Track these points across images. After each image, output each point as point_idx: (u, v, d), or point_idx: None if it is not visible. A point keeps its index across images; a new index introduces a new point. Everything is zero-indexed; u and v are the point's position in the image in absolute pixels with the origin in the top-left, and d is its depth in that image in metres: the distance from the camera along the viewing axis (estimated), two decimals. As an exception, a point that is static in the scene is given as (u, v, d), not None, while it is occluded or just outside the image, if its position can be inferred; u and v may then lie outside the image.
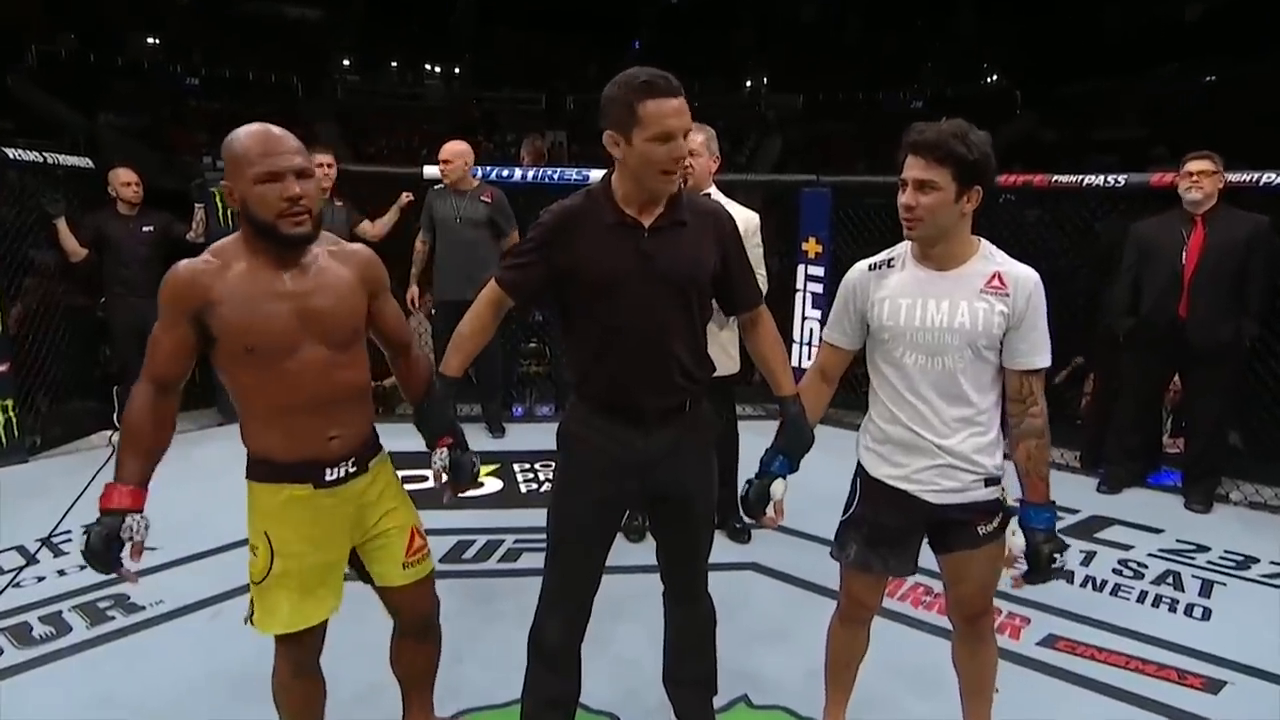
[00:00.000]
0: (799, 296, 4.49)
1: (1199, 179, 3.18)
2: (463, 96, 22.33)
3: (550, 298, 1.57)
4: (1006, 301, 1.48)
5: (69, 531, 2.93)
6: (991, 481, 1.56)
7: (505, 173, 4.43)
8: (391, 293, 1.61)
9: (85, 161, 4.22)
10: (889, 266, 1.58)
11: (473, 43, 23.32)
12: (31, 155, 3.88)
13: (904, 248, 1.58)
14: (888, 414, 1.58)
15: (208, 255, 1.43)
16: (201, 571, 2.63)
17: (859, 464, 1.67)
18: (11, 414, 3.73)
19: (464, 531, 2.93)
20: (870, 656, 1.79)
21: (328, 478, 1.46)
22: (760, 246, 2.75)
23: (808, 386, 1.68)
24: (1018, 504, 1.56)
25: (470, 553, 2.83)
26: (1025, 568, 1.52)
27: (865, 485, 1.64)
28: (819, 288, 4.40)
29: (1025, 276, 1.50)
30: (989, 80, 20.97)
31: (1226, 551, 2.96)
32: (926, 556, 1.66)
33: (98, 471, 3.51)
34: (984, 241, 1.55)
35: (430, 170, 4.18)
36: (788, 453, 1.62)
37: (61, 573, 2.63)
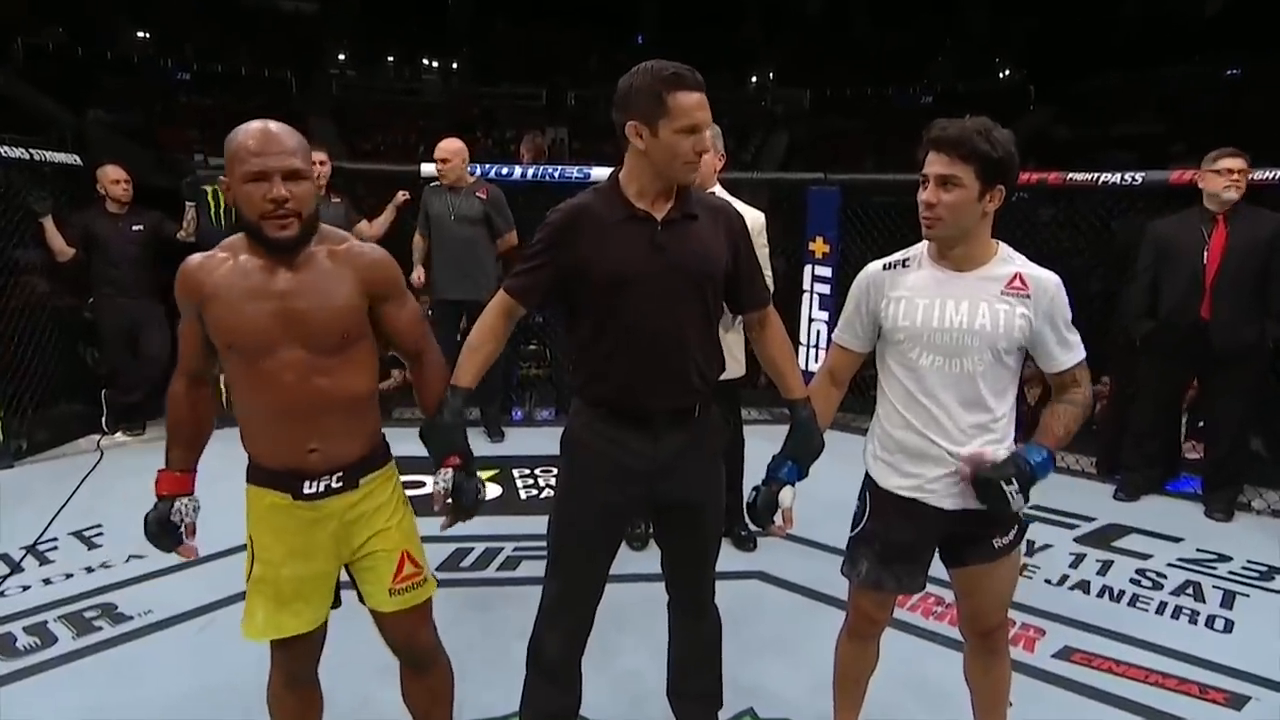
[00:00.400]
0: (806, 298, 4.48)
1: (1237, 177, 3.16)
2: (461, 92, 22.37)
3: (556, 298, 1.56)
4: (1028, 304, 1.48)
5: (55, 539, 2.93)
6: None
7: (505, 171, 4.44)
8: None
9: (73, 158, 4.23)
10: (904, 266, 1.57)
11: (471, 36, 23.37)
12: (18, 152, 3.88)
13: (920, 248, 1.58)
14: (899, 419, 1.57)
15: (218, 249, 1.46)
16: (192, 580, 2.62)
17: (867, 475, 1.66)
18: (-3, 418, 3.75)
19: (461, 539, 2.93)
20: (880, 669, 1.78)
21: (305, 490, 1.44)
22: (766, 246, 2.75)
23: (816, 390, 1.68)
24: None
25: (468, 560, 2.83)
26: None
27: (875, 498, 1.63)
28: (826, 289, 4.40)
29: (1047, 278, 1.50)
30: (1001, 75, 20.96)
31: (1249, 561, 2.94)
32: (937, 565, 1.65)
33: (85, 477, 3.53)
34: (1003, 244, 1.54)
35: (428, 168, 4.18)
36: (797, 459, 1.61)
37: (47, 581, 2.63)
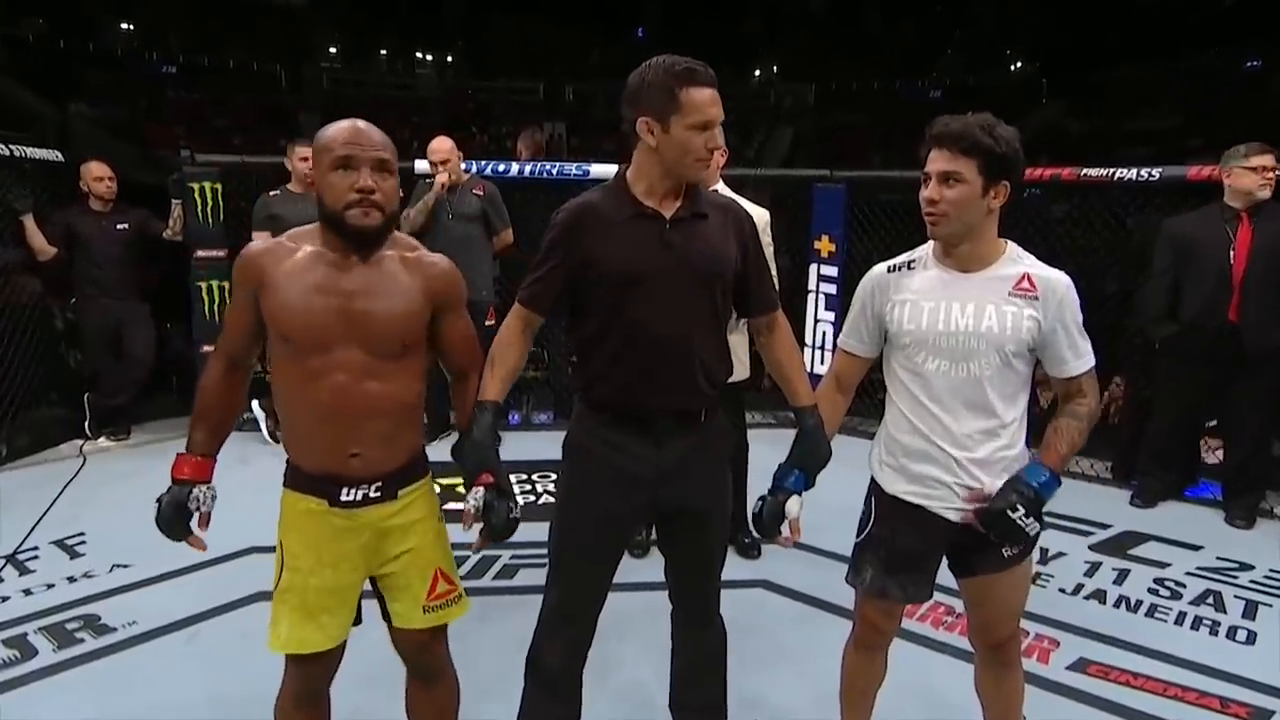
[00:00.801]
0: (811, 298, 4.49)
1: (1271, 175, 3.13)
2: (456, 86, 22.41)
3: (566, 299, 1.57)
4: (1036, 305, 1.48)
5: (36, 548, 2.93)
6: None
7: (501, 167, 4.44)
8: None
9: (55, 154, 4.24)
10: (909, 268, 1.58)
11: (466, 29, 23.41)
12: (-2, 148, 3.89)
13: (925, 249, 1.58)
14: (906, 425, 1.57)
15: (285, 237, 1.49)
16: (178, 590, 2.62)
17: (873, 481, 1.66)
18: (-24, 422, 3.75)
19: (456, 546, 2.92)
20: (888, 681, 1.78)
21: (343, 498, 1.45)
22: (770, 245, 2.76)
23: (822, 396, 1.68)
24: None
25: (463, 569, 2.81)
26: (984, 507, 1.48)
27: (880, 504, 1.63)
28: (832, 289, 4.40)
29: (1056, 279, 1.49)
30: (1013, 68, 20.98)
31: (1272, 570, 2.94)
32: (947, 573, 1.65)
33: (67, 484, 3.53)
34: (1011, 243, 1.55)
35: (422, 165, 4.18)
36: (804, 468, 1.61)
37: (27, 592, 2.62)
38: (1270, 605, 2.69)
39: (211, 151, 4.63)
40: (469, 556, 2.88)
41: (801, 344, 4.44)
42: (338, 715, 1.86)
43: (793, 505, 1.61)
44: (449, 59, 24.11)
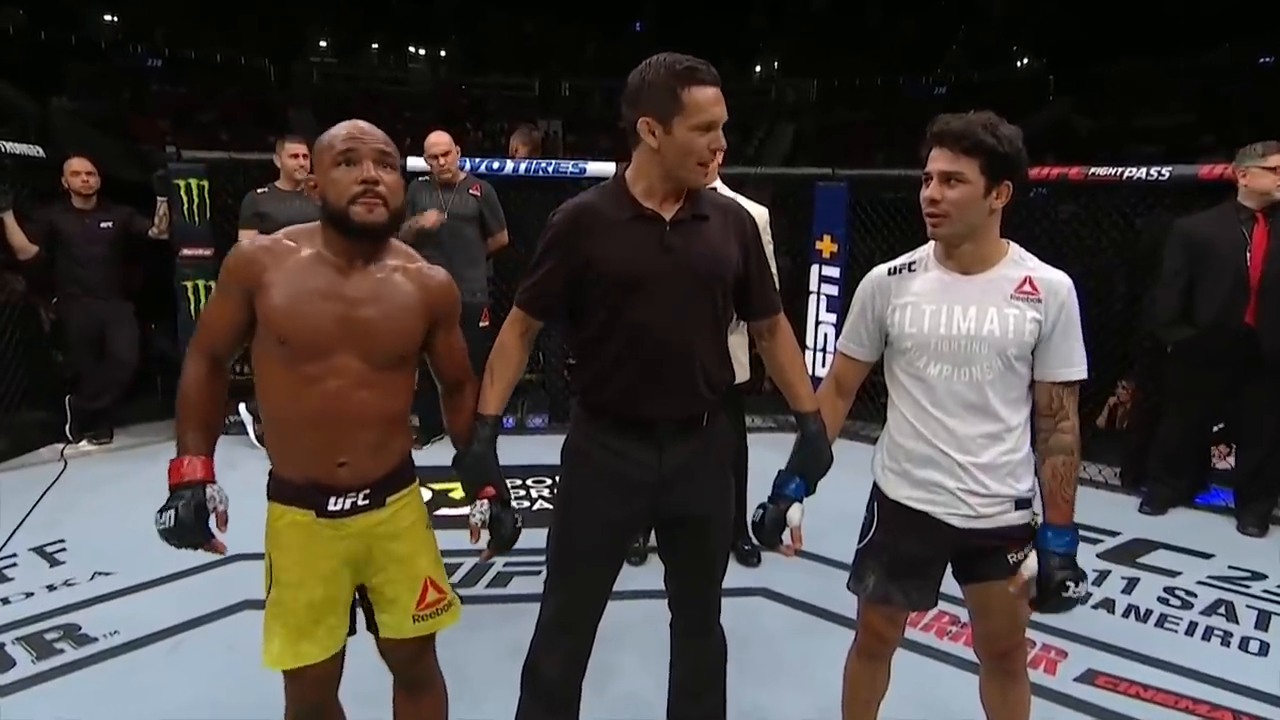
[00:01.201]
0: (812, 299, 4.50)
1: None
2: (449, 81, 22.43)
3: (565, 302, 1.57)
4: (1039, 308, 1.48)
5: (14, 555, 2.92)
6: (1022, 504, 1.55)
7: (495, 165, 4.44)
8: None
9: (36, 150, 4.23)
10: (910, 270, 1.58)
11: (460, 23, 23.44)
12: (-24, 143, 3.89)
13: (926, 250, 1.59)
14: (909, 430, 1.57)
15: (282, 235, 1.47)
16: (161, 598, 2.61)
17: (875, 486, 1.66)
18: (-46, 425, 3.74)
19: (449, 554, 2.89)
20: (892, 692, 1.78)
21: (330, 507, 1.44)
22: (770, 244, 2.76)
23: (822, 400, 1.68)
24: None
25: (456, 577, 2.82)
26: (1034, 594, 1.52)
27: (883, 509, 1.63)
28: (834, 290, 4.41)
29: (1058, 281, 1.50)
30: (1019, 63, 21.06)
31: (1284, 579, 2.95)
32: (952, 582, 1.65)
33: (47, 489, 3.52)
34: (1013, 244, 1.55)
35: (414, 162, 4.19)
36: (805, 474, 1.62)
37: (5, 601, 2.61)
38: (1283, 615, 2.70)
39: (198, 147, 4.64)
40: (461, 563, 2.89)
41: (802, 346, 4.46)
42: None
43: (794, 513, 1.61)
44: (442, 53, 24.15)
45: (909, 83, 20.10)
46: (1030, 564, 1.52)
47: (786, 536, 1.63)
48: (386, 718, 1.68)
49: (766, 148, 19.06)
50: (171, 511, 1.39)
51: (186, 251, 4.16)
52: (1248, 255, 3.20)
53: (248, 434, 4.06)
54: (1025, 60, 20.98)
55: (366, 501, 1.47)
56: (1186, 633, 2.59)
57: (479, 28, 23.27)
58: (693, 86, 1.41)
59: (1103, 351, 3.92)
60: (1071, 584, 1.49)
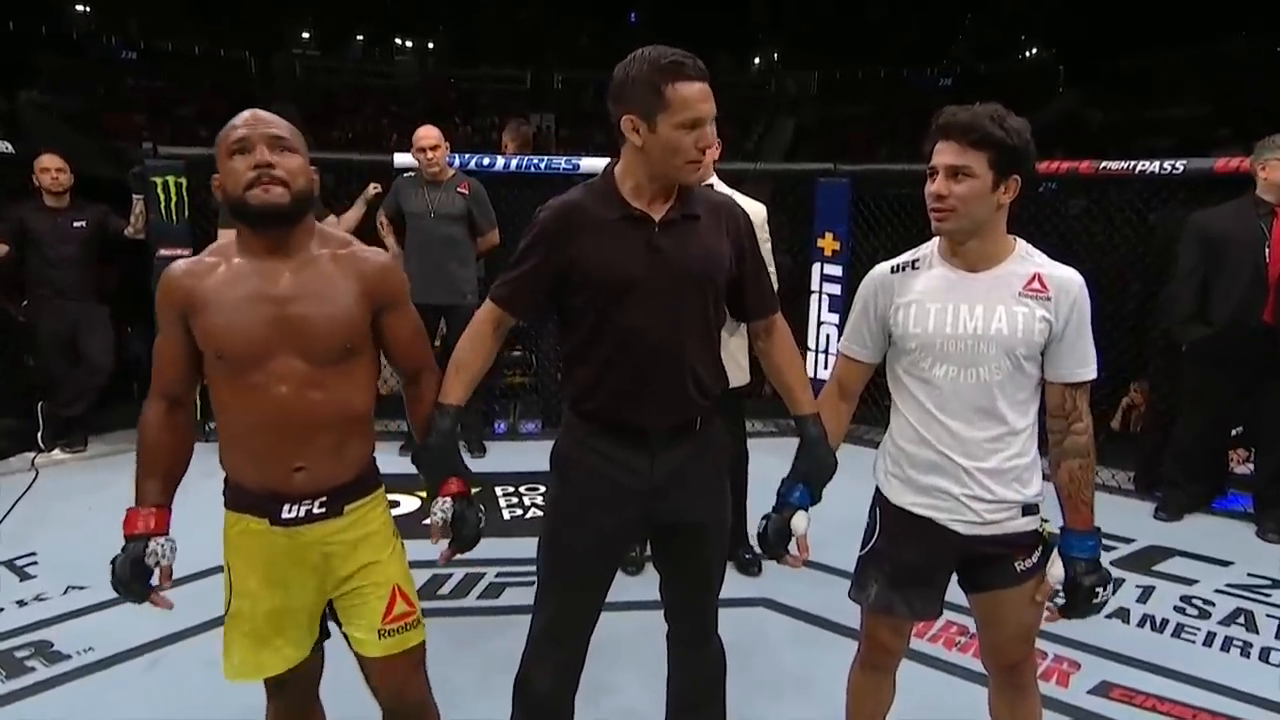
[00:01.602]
0: (814, 299, 4.50)
1: None
2: (437, 74, 22.44)
3: (548, 304, 1.57)
4: (1048, 306, 1.49)
5: (-15, 568, 2.91)
6: (1030, 510, 1.56)
7: (486, 161, 4.44)
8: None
9: (4, 146, 4.22)
10: (913, 268, 1.58)
11: (449, 14, 23.46)
12: (-59, 139, 3.88)
13: (930, 247, 1.59)
14: (912, 434, 1.58)
15: (206, 253, 1.47)
16: (138, 613, 2.57)
17: (878, 491, 1.66)
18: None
19: (424, 564, 2.92)
20: (897, 705, 1.78)
21: (284, 515, 1.44)
22: (768, 241, 2.76)
23: (824, 404, 1.68)
24: (1058, 532, 1.57)
25: (446, 588, 2.82)
26: (1063, 601, 1.54)
27: (886, 516, 1.63)
28: (836, 289, 4.42)
29: (1069, 279, 1.50)
30: (1028, 54, 21.15)
31: (1305, 587, 2.95)
32: (959, 592, 1.65)
33: (17, 500, 3.50)
34: (1020, 240, 1.56)
35: (401, 158, 4.19)
36: (808, 481, 1.62)
37: (-24, 616, 2.61)
38: (1303, 624, 2.71)
39: (175, 143, 4.62)
40: (451, 574, 2.88)
41: (804, 348, 4.46)
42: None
43: (799, 522, 1.61)
44: (430, 45, 24.17)
45: (913, 75, 20.18)
46: (1056, 570, 1.53)
47: (793, 546, 1.63)
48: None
49: (766, 142, 19.10)
50: (112, 566, 1.42)
51: (164, 252, 4.14)
52: (1266, 251, 3.21)
53: None
54: (1034, 51, 21.06)
55: (323, 510, 1.46)
56: (1204, 643, 2.59)
57: (468, 19, 23.29)
58: (678, 82, 1.40)
59: (1115, 352, 3.94)
60: (1100, 589, 1.51)
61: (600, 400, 1.53)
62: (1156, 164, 3.80)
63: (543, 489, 3.70)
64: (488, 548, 3.28)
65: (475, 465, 3.97)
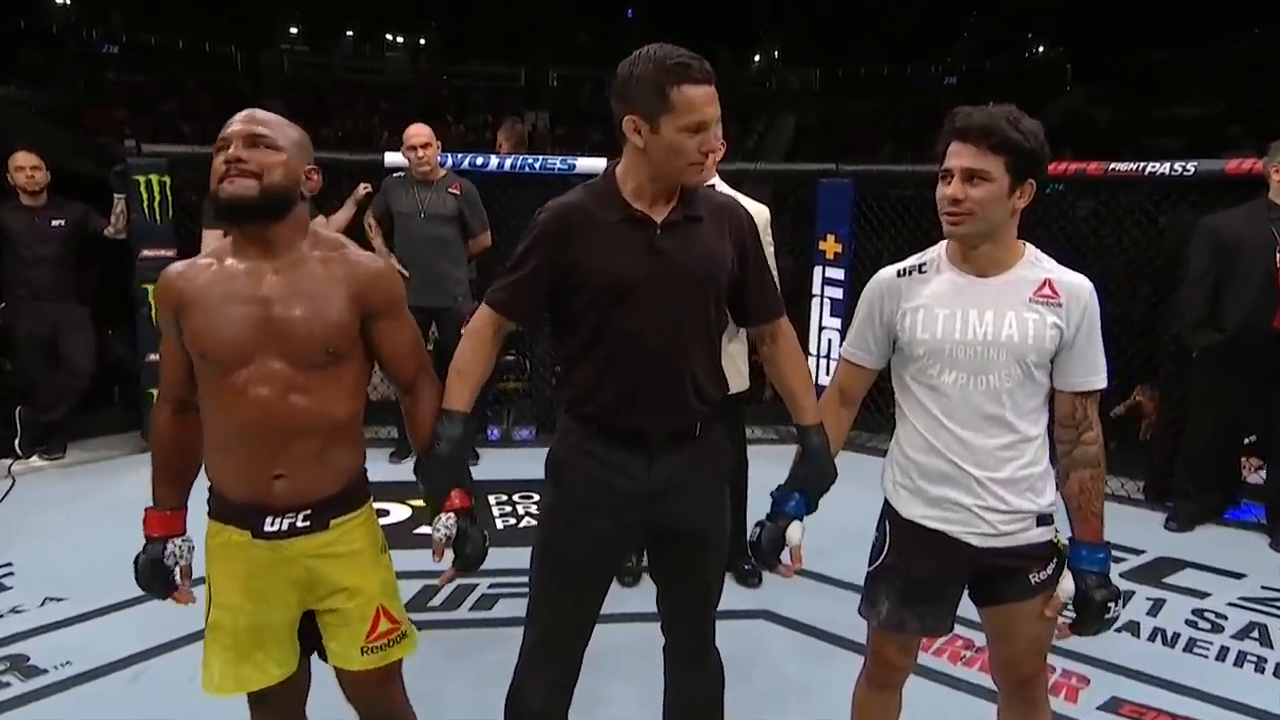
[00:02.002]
0: (815, 303, 4.51)
1: None
2: (429, 71, 22.44)
3: (546, 307, 1.57)
4: (1059, 313, 1.49)
5: (-40, 579, 2.89)
6: (1043, 521, 1.56)
7: (479, 161, 4.45)
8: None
9: (-22, 144, 4.21)
10: (920, 272, 1.58)
11: (441, 9, 23.47)
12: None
13: (937, 250, 1.59)
14: (921, 443, 1.58)
15: (203, 255, 1.51)
16: (119, 625, 2.60)
17: (886, 504, 1.66)
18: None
19: (430, 574, 2.89)
20: (903, 722, 1.78)
21: (267, 528, 1.44)
22: (771, 244, 2.77)
23: (824, 410, 1.68)
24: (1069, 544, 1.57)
25: (438, 599, 2.82)
26: (1074, 616, 1.54)
27: (895, 529, 1.63)
28: (838, 292, 4.43)
29: (1079, 285, 1.51)
30: (1034, 51, 21.22)
31: (1321, 600, 2.96)
32: (966, 603, 1.65)
33: (-5, 507, 3.49)
34: (1029, 245, 1.56)
35: (392, 157, 4.19)
36: (805, 490, 1.62)
37: (-50, 628, 2.60)
38: (1318, 638, 2.71)
39: (158, 140, 4.62)
40: (440, 588, 2.87)
41: (805, 352, 4.44)
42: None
43: (793, 531, 1.61)
44: (422, 41, 24.17)
45: (917, 71, 20.22)
46: (1066, 585, 1.54)
47: (786, 556, 1.63)
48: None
49: (766, 141, 19.13)
50: (134, 564, 1.53)
51: (147, 253, 4.14)
52: (1278, 255, 3.22)
53: None
54: (1040, 48, 21.13)
55: (307, 523, 1.45)
56: (1217, 658, 2.60)
57: (461, 14, 23.30)
58: (683, 85, 1.40)
59: (1124, 358, 3.95)
60: (1112, 604, 1.51)
61: (599, 404, 1.53)
62: (1166, 165, 3.82)
63: (537, 497, 3.69)
64: (480, 558, 3.29)
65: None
